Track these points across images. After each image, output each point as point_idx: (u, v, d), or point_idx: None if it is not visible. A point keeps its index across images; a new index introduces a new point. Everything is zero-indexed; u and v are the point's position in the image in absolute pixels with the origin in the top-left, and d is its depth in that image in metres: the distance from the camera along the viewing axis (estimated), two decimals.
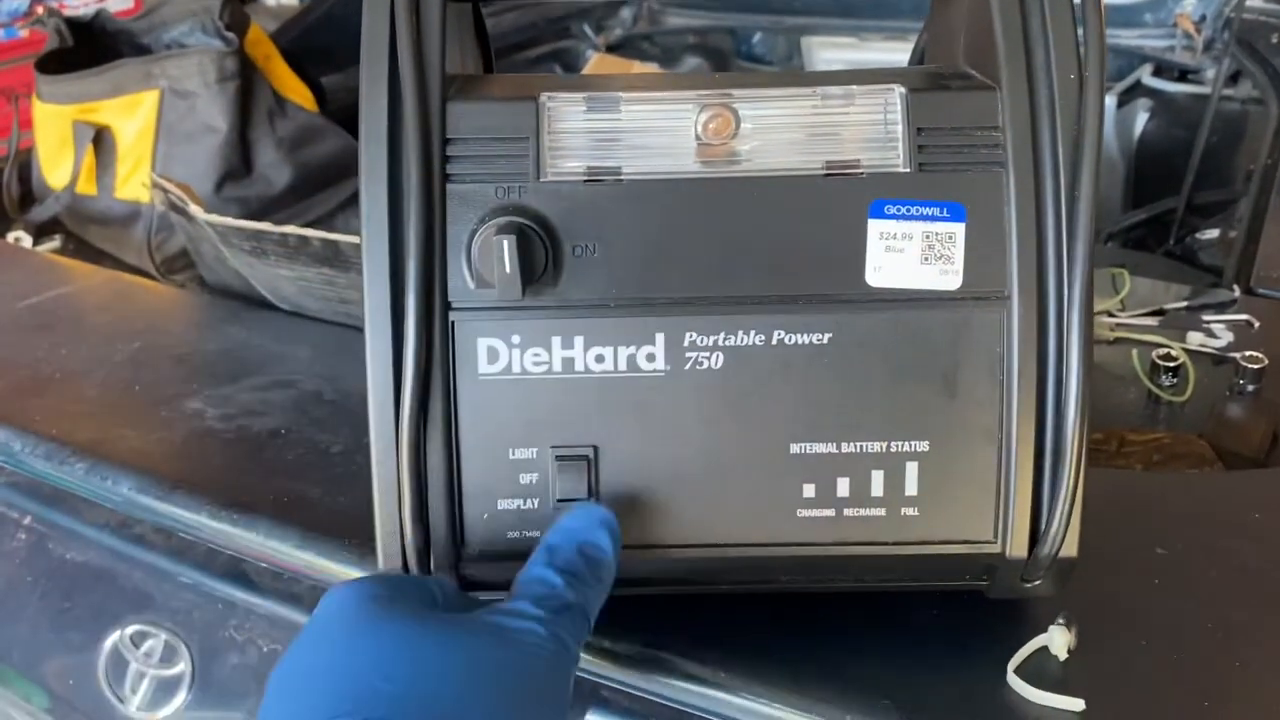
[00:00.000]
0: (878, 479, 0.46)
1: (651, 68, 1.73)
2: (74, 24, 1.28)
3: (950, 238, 0.46)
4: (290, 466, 0.63)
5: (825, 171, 0.46)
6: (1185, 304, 0.88)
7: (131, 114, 1.16)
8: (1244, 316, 0.85)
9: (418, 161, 0.45)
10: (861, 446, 0.46)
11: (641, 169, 0.46)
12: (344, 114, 1.43)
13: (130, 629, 0.64)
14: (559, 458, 0.46)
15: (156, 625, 0.63)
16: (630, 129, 0.47)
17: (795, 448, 0.46)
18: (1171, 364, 0.78)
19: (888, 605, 0.51)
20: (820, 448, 0.46)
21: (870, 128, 0.47)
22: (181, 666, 0.63)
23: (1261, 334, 0.84)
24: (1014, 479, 0.46)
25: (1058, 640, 0.48)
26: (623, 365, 0.46)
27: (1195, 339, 0.83)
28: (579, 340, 0.46)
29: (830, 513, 0.47)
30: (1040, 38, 0.46)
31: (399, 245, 0.45)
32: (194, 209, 0.81)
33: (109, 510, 0.66)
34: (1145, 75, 1.58)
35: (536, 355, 0.46)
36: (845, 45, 1.70)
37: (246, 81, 1.18)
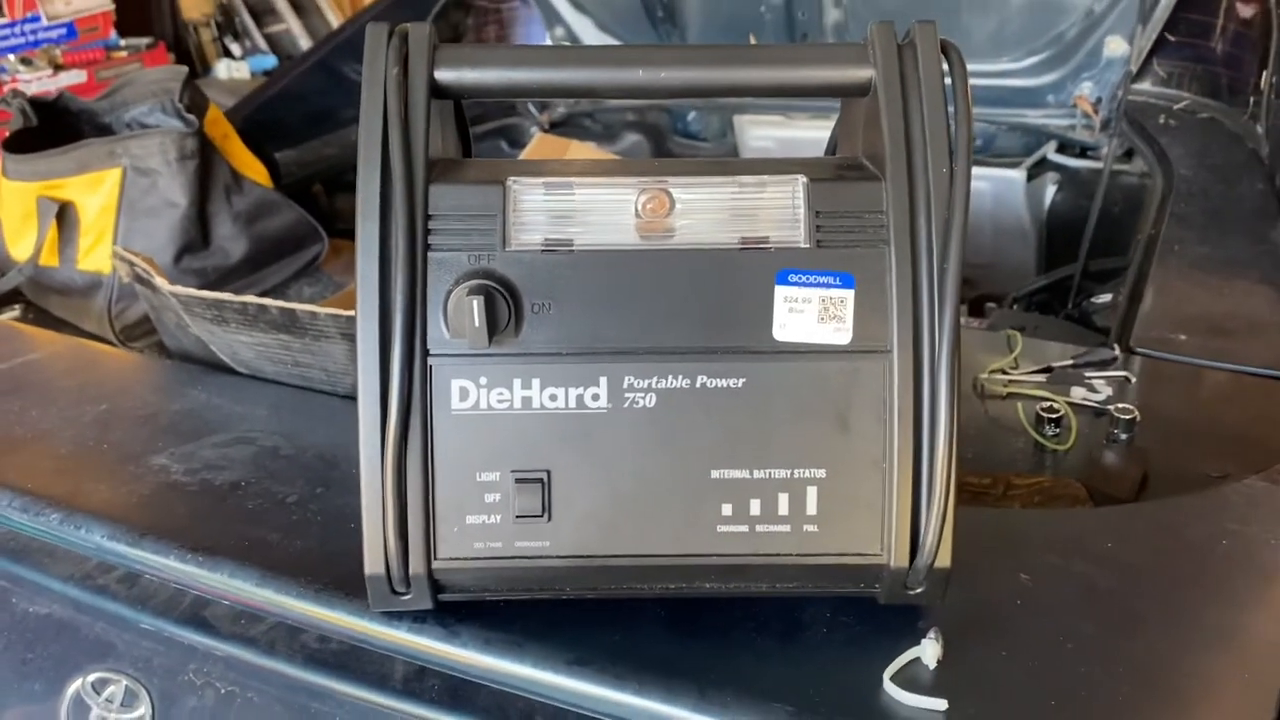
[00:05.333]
0: (784, 500, 0.55)
1: (589, 146, 1.82)
2: (38, 104, 1.34)
3: (842, 301, 0.55)
4: (250, 515, 0.69)
5: (741, 245, 0.56)
6: (1071, 362, 0.97)
7: (95, 190, 1.22)
8: (1122, 373, 0.94)
9: (404, 234, 0.53)
10: (770, 473, 0.55)
11: (590, 241, 0.56)
12: (296, 187, 1.50)
13: (92, 676, 0.67)
14: (518, 480, 0.55)
15: (117, 671, 0.66)
16: (581, 208, 0.56)
17: (715, 473, 0.55)
18: (1054, 415, 0.86)
19: (783, 624, 0.58)
20: (736, 474, 0.55)
21: (779, 210, 0.56)
22: (142, 710, 0.66)
23: (1136, 389, 0.93)
24: (895, 501, 0.54)
25: (928, 651, 0.55)
26: (572, 403, 0.55)
27: (1078, 393, 0.92)
28: (536, 382, 0.55)
29: (744, 528, 0.55)
30: (920, 138, 0.55)
31: (387, 302, 0.53)
32: (159, 280, 0.87)
33: (72, 563, 0.69)
34: (1051, 151, 1.70)
35: (500, 394, 0.55)
36: (774, 123, 1.81)
37: (205, 160, 1.25)
